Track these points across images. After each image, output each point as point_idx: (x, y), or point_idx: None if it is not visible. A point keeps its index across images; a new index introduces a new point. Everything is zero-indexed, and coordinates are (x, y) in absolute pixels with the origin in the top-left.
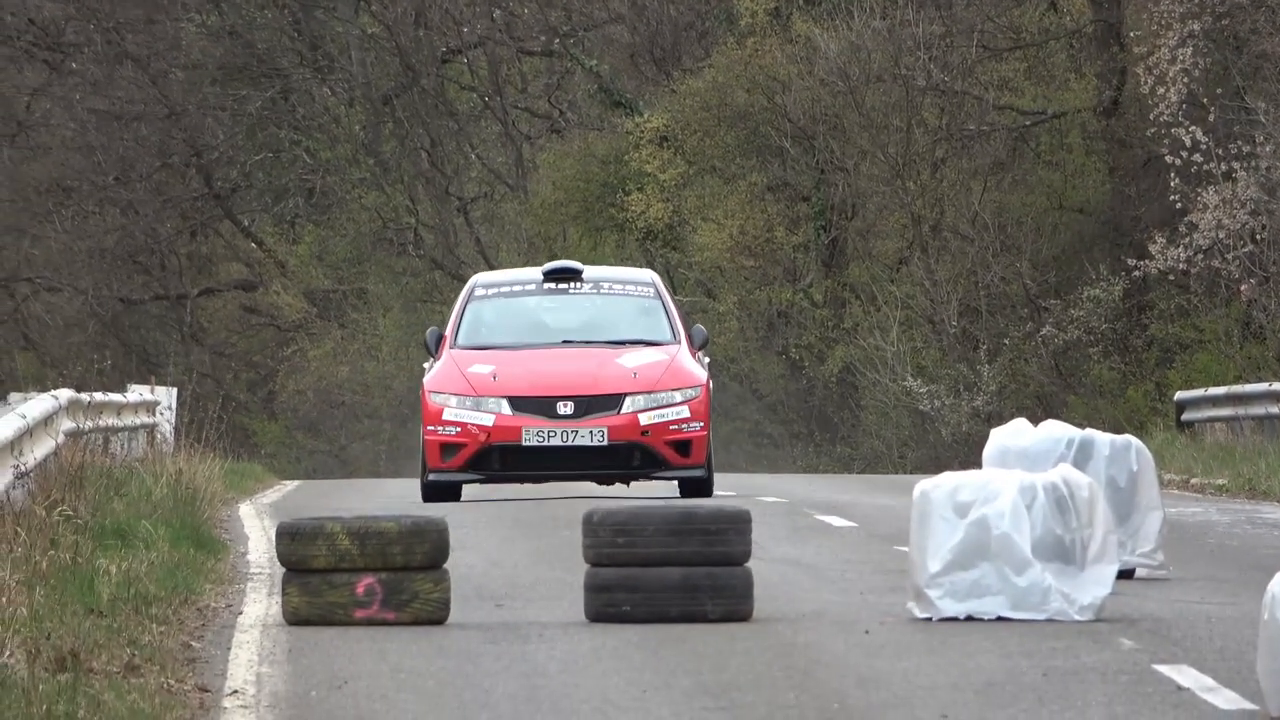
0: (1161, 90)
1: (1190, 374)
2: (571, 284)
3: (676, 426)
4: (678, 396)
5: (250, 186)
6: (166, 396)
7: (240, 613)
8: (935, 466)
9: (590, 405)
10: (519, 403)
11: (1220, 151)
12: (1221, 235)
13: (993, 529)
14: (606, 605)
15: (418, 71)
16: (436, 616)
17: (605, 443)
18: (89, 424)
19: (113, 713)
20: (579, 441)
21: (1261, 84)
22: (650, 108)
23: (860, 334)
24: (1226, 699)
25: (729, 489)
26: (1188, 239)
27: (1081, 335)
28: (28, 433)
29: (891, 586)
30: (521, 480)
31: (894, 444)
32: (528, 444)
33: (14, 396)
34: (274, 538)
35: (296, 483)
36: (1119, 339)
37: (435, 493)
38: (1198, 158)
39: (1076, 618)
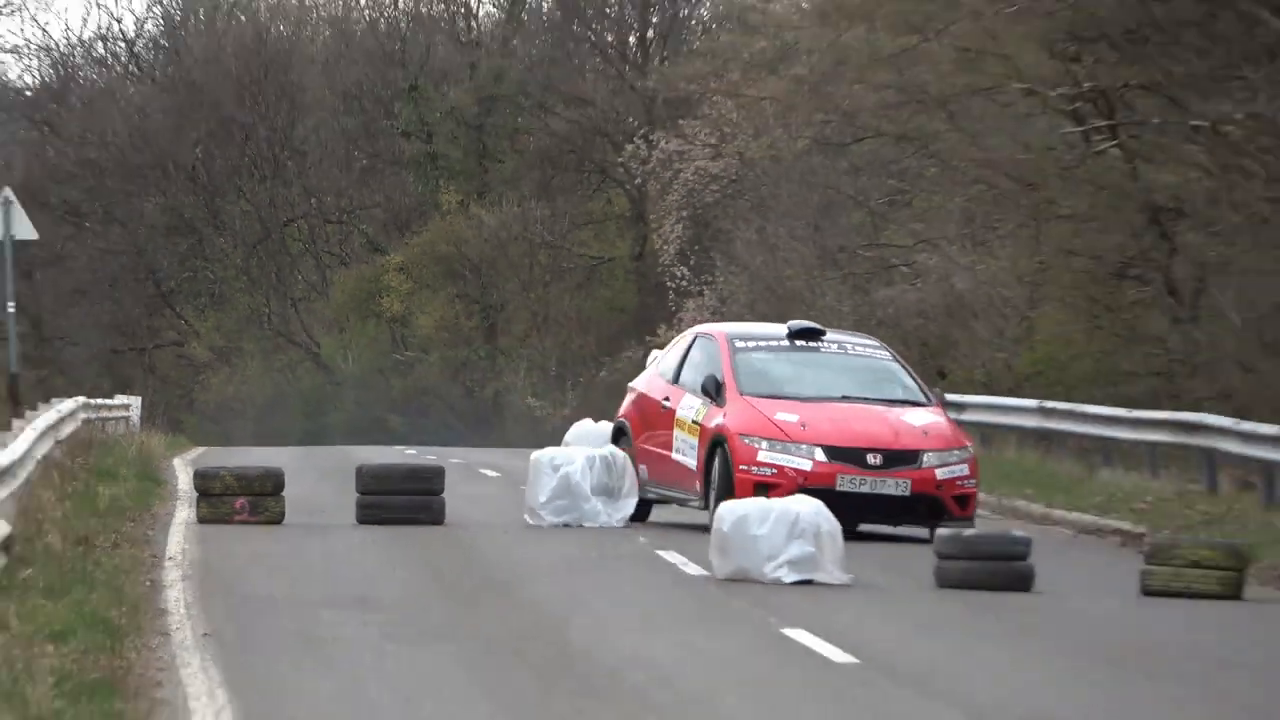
0: (665, 247)
1: None
2: (819, 343)
3: (962, 483)
4: (957, 454)
5: (182, 289)
6: (135, 402)
7: (173, 516)
8: (543, 445)
9: (893, 458)
10: (834, 451)
11: (697, 280)
12: None
13: (571, 479)
14: (368, 515)
15: (270, 229)
16: (278, 520)
17: (908, 493)
18: (94, 415)
19: (107, 566)
20: (884, 490)
21: (720, 245)
22: (395, 251)
23: (504, 375)
24: (694, 569)
25: (433, 456)
26: (678, 328)
27: (620, 377)
28: (60, 420)
29: (518, 508)
30: None
31: (523, 432)
32: (841, 489)
33: (54, 400)
34: (192, 477)
35: (204, 449)
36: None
37: None
38: (684, 283)
39: (616, 525)
